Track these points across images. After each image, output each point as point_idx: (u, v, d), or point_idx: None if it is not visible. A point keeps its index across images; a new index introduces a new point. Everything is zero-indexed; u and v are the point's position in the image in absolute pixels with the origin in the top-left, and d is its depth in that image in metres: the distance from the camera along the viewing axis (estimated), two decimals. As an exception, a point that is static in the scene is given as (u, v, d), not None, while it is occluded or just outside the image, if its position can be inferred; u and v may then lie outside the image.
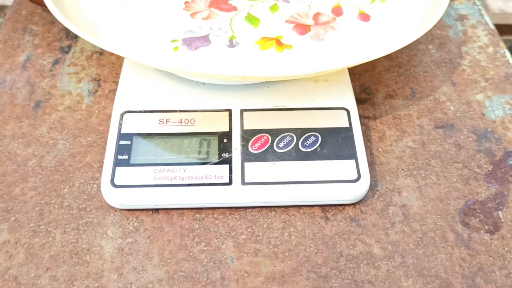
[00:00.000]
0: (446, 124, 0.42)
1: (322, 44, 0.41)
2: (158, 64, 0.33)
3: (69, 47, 0.48)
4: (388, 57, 0.47)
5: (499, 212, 0.36)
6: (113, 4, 0.43)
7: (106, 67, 0.46)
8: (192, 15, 0.43)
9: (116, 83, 0.44)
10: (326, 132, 0.37)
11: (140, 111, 0.38)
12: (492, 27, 0.51)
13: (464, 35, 0.50)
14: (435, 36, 0.50)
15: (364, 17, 0.44)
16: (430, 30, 0.50)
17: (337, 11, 0.44)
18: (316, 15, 0.43)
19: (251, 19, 0.42)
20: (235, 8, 0.44)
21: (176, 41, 0.40)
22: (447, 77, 0.46)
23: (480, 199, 0.37)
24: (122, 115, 0.38)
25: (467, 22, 0.51)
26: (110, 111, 0.42)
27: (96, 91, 0.44)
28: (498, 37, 0.50)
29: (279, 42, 0.40)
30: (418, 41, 0.49)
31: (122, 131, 0.37)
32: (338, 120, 0.38)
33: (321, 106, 0.39)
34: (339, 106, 0.39)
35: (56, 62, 0.46)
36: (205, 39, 0.40)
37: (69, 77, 0.45)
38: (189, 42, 0.40)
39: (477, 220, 0.36)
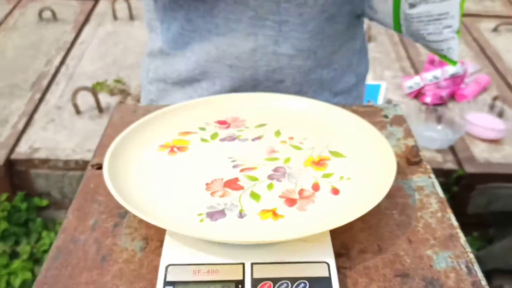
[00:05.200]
0: (403, 273, 0.56)
1: (305, 213, 0.57)
2: (190, 233, 0.50)
3: (125, 213, 0.65)
4: (362, 220, 0.63)
5: None
6: (155, 189, 0.62)
7: (153, 228, 0.62)
8: (212, 194, 0.60)
9: (161, 241, 0.60)
10: (313, 281, 0.52)
11: (180, 264, 0.54)
12: (442, 196, 0.67)
13: (420, 202, 0.66)
14: (398, 203, 0.66)
15: (335, 191, 0.61)
16: (394, 199, 0.67)
17: (316, 187, 0.61)
18: (301, 191, 0.61)
19: (254, 195, 0.60)
20: (242, 187, 0.61)
21: (202, 215, 0.57)
22: (406, 236, 0.61)
23: (427, 331, 0.50)
24: (166, 267, 0.54)
25: (423, 192, 0.68)
26: (157, 263, 0.57)
27: (146, 247, 0.60)
28: (446, 204, 0.66)
29: (274, 213, 0.57)
30: (385, 208, 0.65)
31: (167, 279, 0.52)
32: (321, 271, 0.53)
33: (308, 260, 0.54)
34: (321, 260, 0.54)
35: (116, 225, 0.63)
36: (222, 212, 0.57)
37: (125, 236, 0.61)
38: (211, 215, 0.57)
39: None
